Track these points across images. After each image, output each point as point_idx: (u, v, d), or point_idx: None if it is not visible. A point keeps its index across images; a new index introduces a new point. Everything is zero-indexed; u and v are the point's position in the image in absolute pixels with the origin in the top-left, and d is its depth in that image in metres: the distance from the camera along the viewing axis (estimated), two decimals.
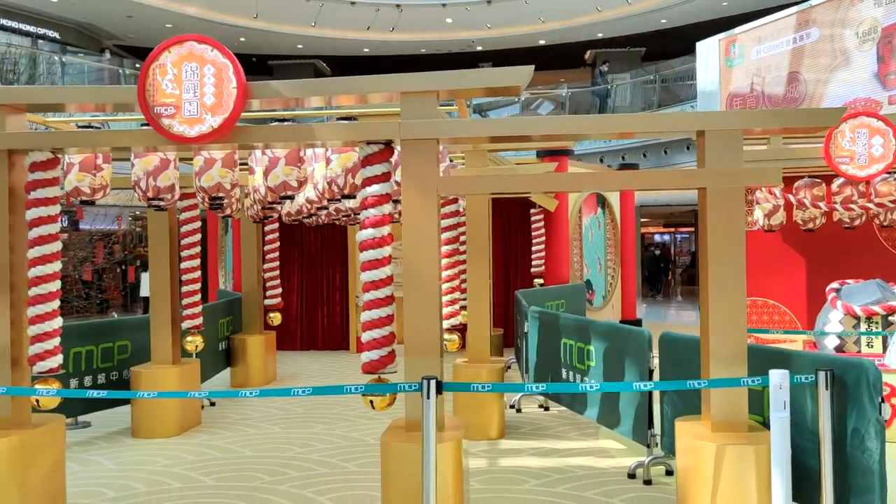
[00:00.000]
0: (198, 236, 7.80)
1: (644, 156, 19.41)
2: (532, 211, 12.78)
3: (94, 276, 13.53)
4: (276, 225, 10.56)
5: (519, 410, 8.16)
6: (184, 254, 7.68)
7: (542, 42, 26.80)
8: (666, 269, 28.07)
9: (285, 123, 5.23)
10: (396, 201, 4.89)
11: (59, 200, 4.78)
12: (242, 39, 25.17)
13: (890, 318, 6.87)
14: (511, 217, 13.54)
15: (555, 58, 28.55)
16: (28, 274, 4.73)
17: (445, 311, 7.47)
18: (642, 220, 25.27)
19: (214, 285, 14.41)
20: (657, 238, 33.05)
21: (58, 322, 4.80)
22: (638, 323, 15.50)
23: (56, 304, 4.77)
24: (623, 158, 20.03)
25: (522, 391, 8.32)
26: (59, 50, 20.62)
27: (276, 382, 10.57)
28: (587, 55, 27.99)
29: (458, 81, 4.58)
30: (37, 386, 4.70)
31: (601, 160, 19.78)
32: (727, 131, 4.40)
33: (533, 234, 12.90)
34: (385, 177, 4.64)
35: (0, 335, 4.67)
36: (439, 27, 25.04)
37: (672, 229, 32.95)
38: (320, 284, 13.82)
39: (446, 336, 7.50)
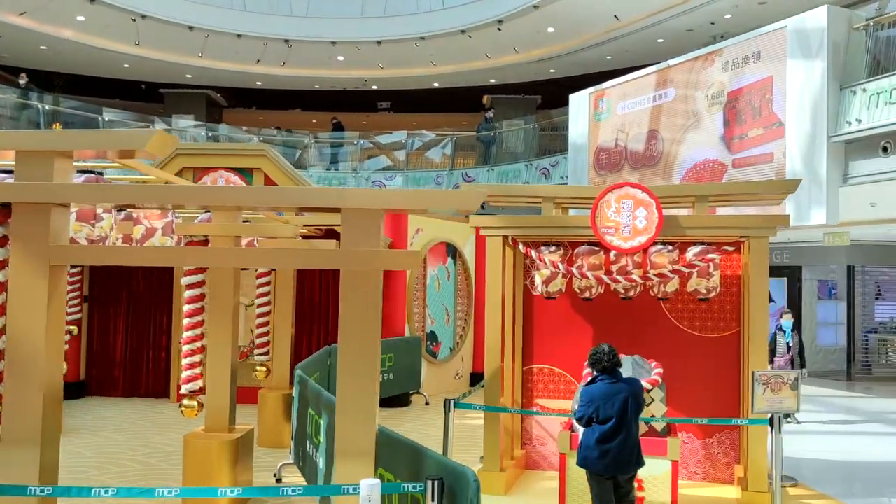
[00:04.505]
0: None
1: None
2: None
3: None
4: (79, 269, 9.98)
5: (279, 480, 7.69)
6: None
7: (436, 85, 26.76)
8: None
9: None
10: None
11: None
12: (126, 66, 24.41)
13: None
14: None
15: (452, 101, 28.58)
16: None
17: (185, 374, 7.00)
18: None
19: None
20: None
21: None
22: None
23: None
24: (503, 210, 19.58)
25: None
26: None
27: (61, 435, 9.86)
28: (485, 100, 28.05)
29: (75, 142, 4.16)
30: None
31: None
32: (365, 210, 4.08)
33: None
34: (1, 241, 4.18)
35: None
36: (331, 64, 24.75)
37: None
38: (146, 328, 13.12)
39: (185, 402, 7.02)
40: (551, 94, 26.37)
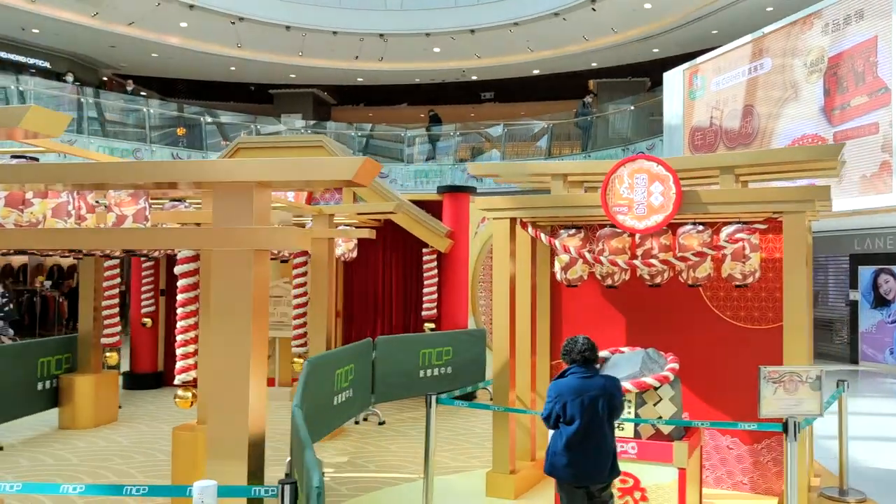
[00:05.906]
0: None
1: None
2: (424, 251, 12.02)
3: None
4: (117, 262, 10.22)
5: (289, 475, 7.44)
6: None
7: (536, 72, 26.00)
8: None
9: None
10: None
11: None
12: (233, 68, 25.26)
13: (644, 395, 5.88)
14: (411, 257, 12.73)
15: (557, 87, 27.66)
16: None
17: (179, 364, 6.89)
18: None
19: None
20: None
21: None
22: None
23: None
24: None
25: None
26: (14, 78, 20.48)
27: (115, 424, 10.14)
28: (591, 85, 26.99)
29: None
30: None
31: None
32: (234, 184, 3.69)
33: (425, 275, 12.13)
34: None
35: None
36: (427, 57, 24.56)
37: None
38: None
39: (179, 392, 6.91)
40: (659, 75, 24.99)
